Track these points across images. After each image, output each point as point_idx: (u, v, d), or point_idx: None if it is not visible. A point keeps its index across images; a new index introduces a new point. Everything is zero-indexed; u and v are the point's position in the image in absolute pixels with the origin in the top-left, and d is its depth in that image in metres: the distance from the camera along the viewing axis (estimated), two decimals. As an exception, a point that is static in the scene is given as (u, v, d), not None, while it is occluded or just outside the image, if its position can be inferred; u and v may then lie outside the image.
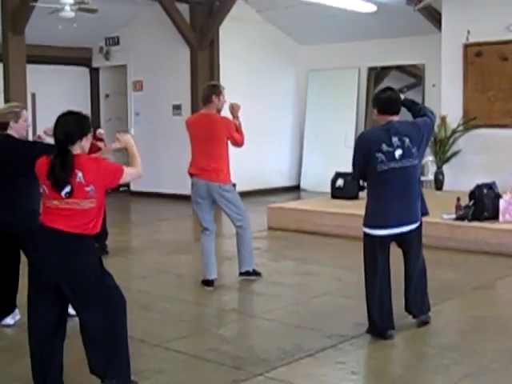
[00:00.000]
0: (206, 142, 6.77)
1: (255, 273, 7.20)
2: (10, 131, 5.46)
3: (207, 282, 6.89)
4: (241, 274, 7.15)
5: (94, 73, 15.50)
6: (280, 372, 4.64)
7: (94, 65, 15.35)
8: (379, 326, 5.30)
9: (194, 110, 13.43)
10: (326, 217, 9.69)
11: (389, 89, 5.44)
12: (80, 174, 4.02)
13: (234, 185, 7.10)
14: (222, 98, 6.87)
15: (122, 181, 4.22)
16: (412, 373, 4.74)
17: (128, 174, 4.26)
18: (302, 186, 14.92)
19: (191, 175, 6.94)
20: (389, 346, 5.19)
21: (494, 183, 8.81)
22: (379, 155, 5.11)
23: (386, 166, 5.11)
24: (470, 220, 8.50)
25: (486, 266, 7.73)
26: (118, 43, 14.70)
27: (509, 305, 6.53)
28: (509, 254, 7.94)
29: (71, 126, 4.13)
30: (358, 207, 9.83)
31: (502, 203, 8.47)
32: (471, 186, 8.84)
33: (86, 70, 15.39)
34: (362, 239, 5.39)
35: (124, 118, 14.88)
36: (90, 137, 4.25)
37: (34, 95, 13.85)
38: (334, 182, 10.92)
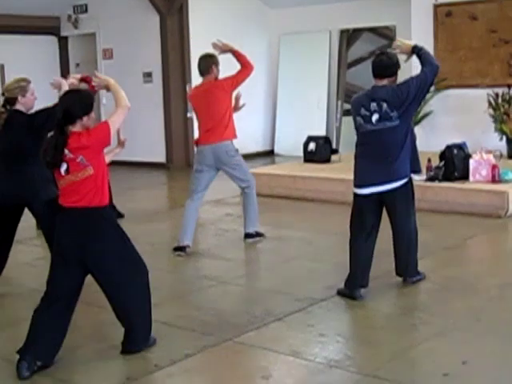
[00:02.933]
0: (208, 108, 6.87)
1: (259, 234, 7.29)
2: (18, 106, 5.58)
3: (179, 248, 6.90)
4: (246, 235, 7.20)
5: (63, 41, 15.27)
6: (249, 336, 4.68)
7: (63, 33, 15.12)
8: (351, 283, 5.38)
9: (164, 77, 13.34)
10: (298, 181, 9.71)
11: (382, 53, 5.57)
12: (66, 151, 4.15)
13: (237, 150, 7.13)
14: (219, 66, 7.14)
15: (114, 130, 4.29)
16: (380, 333, 4.80)
17: (115, 121, 4.32)
18: (276, 150, 14.90)
19: (197, 144, 7.00)
20: (357, 307, 5.25)
21: (464, 143, 8.84)
22: (358, 118, 5.42)
23: (363, 129, 5.39)
24: (440, 180, 8.56)
25: (456, 226, 7.80)
26: (86, 11, 14.49)
27: (477, 264, 6.61)
28: (479, 214, 8.02)
29: (73, 104, 4.20)
30: (330, 171, 9.90)
31: (471, 163, 8.53)
32: (442, 147, 8.88)
33: (54, 39, 15.15)
34: None
35: (95, 87, 14.71)
36: (92, 115, 4.29)
37: (2, 66, 13.65)
38: (305, 146, 10.89)
